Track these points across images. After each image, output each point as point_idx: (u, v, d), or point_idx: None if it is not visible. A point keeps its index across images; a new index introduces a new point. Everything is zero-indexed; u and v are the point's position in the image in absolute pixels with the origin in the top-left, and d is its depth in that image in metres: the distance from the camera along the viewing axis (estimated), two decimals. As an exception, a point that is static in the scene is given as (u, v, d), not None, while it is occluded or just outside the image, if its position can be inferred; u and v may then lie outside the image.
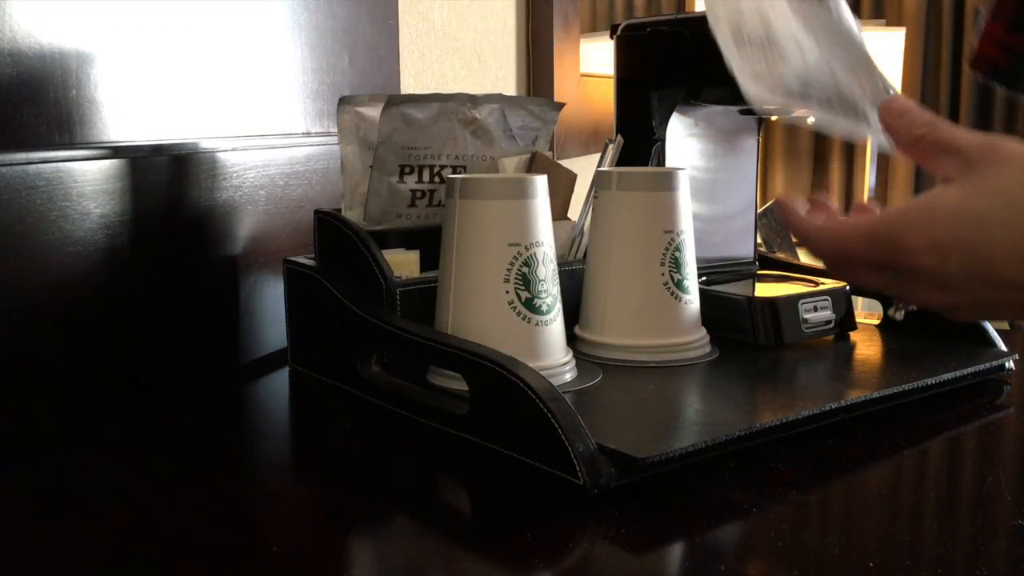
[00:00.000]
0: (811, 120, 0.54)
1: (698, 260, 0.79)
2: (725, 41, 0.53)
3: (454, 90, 1.44)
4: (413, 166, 0.79)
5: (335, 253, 0.77)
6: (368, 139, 0.78)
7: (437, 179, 0.80)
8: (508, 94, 0.84)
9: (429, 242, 0.76)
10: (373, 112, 0.77)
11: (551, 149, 0.88)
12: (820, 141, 3.00)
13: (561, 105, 0.85)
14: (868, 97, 0.53)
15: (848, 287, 0.84)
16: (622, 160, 0.85)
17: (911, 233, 0.42)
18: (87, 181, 0.66)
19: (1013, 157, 0.41)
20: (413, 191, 0.80)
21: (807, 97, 0.53)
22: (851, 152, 2.96)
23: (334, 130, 0.79)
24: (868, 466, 0.62)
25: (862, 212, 0.47)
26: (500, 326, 0.67)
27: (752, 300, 0.81)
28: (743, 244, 0.97)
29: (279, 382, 0.82)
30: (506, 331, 0.67)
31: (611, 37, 0.93)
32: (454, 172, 0.81)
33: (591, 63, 1.86)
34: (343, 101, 0.78)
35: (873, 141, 0.52)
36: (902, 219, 0.42)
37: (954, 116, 2.78)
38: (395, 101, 0.75)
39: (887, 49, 2.39)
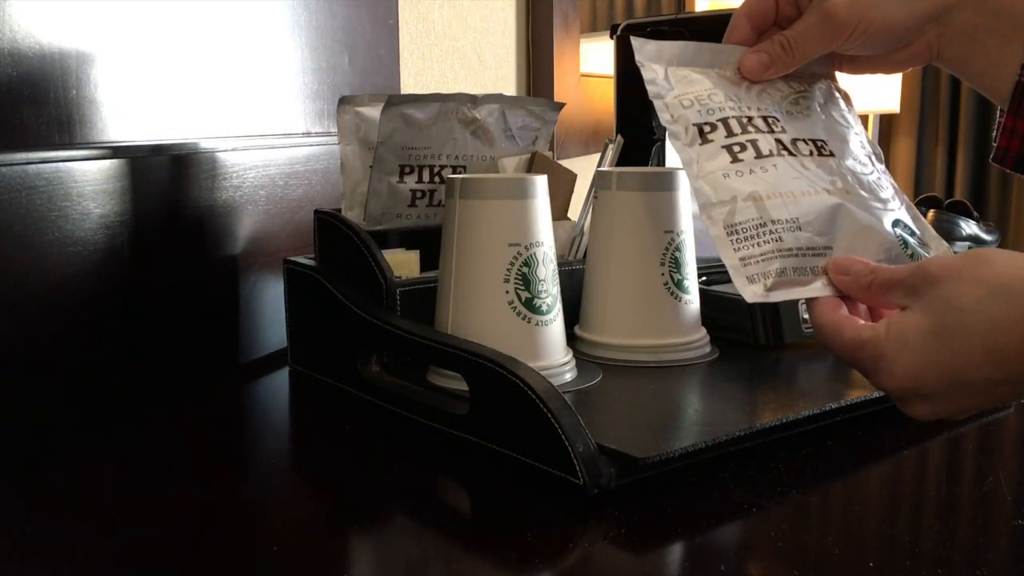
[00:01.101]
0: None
1: (698, 260, 0.79)
2: (720, 240, 0.52)
3: (454, 90, 1.44)
4: (413, 166, 0.79)
5: (335, 253, 0.77)
6: (368, 139, 0.78)
7: (437, 179, 0.80)
8: (508, 94, 0.84)
9: (429, 242, 0.76)
10: (373, 112, 0.77)
11: (551, 149, 0.88)
12: (820, 141, 3.00)
13: (561, 105, 0.85)
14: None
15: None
16: (622, 160, 0.85)
17: (886, 363, 0.45)
18: (87, 181, 0.66)
19: (945, 274, 0.44)
20: (413, 191, 0.80)
21: (802, 271, 0.52)
22: (851, 152, 2.96)
23: (334, 130, 0.79)
24: (868, 466, 0.62)
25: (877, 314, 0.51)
26: (500, 326, 0.67)
27: (752, 300, 0.81)
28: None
29: (279, 382, 0.82)
30: (506, 331, 0.67)
31: (611, 37, 0.93)
32: (454, 172, 0.81)
33: (591, 63, 1.86)
34: (343, 101, 0.78)
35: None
36: (882, 350, 0.45)
37: (954, 121, 2.78)
38: (395, 101, 0.75)
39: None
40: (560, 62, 1.67)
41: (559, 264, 0.71)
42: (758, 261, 0.52)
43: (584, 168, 0.91)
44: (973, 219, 2.33)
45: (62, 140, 0.68)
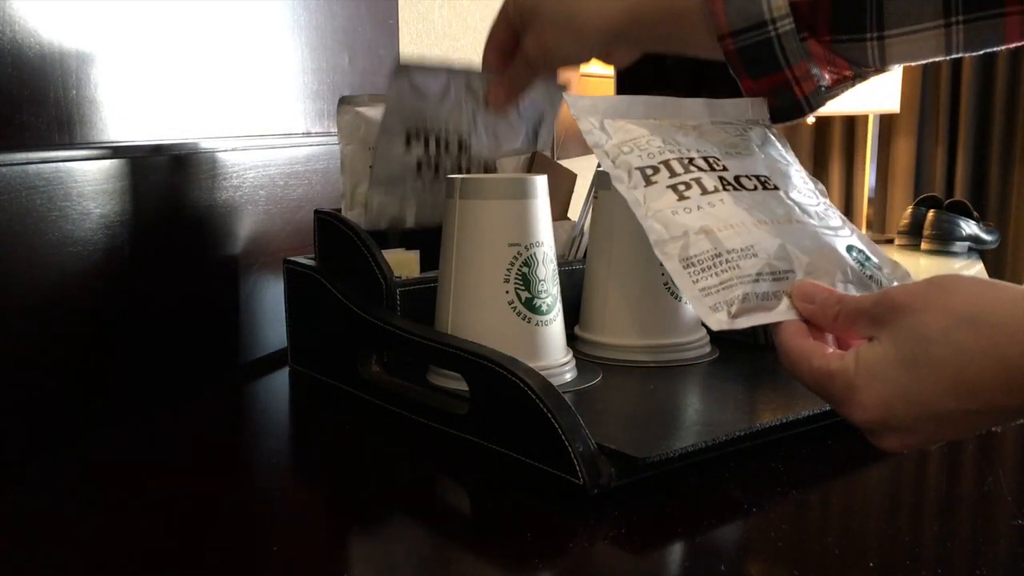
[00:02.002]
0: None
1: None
2: (677, 274, 0.52)
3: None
4: (420, 132, 0.78)
5: (335, 253, 0.77)
6: (368, 139, 0.78)
7: (444, 149, 0.80)
8: None
9: (429, 242, 0.76)
10: (373, 112, 0.77)
11: (551, 149, 0.88)
12: (820, 141, 3.00)
13: (564, 87, 0.84)
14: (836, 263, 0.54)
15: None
16: (622, 160, 0.85)
17: (857, 396, 0.44)
18: (87, 181, 0.66)
19: (910, 302, 0.44)
20: (419, 160, 0.79)
21: (766, 296, 0.51)
22: (851, 152, 2.96)
23: (334, 130, 0.79)
24: (868, 466, 0.62)
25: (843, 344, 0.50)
26: (500, 326, 0.67)
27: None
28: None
29: (279, 382, 0.82)
30: (506, 331, 0.67)
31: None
32: (460, 145, 0.80)
33: (591, 63, 1.86)
34: (343, 101, 0.78)
35: None
36: (851, 382, 0.45)
37: (954, 120, 2.78)
38: (404, 70, 0.75)
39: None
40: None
41: (559, 264, 0.71)
42: (718, 290, 0.51)
43: (584, 168, 0.91)
44: (973, 219, 2.33)
45: (62, 140, 0.68)
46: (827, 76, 0.62)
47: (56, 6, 0.67)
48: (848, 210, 2.84)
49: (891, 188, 2.90)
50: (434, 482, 0.62)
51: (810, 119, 2.77)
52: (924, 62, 0.61)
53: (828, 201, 0.60)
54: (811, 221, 0.56)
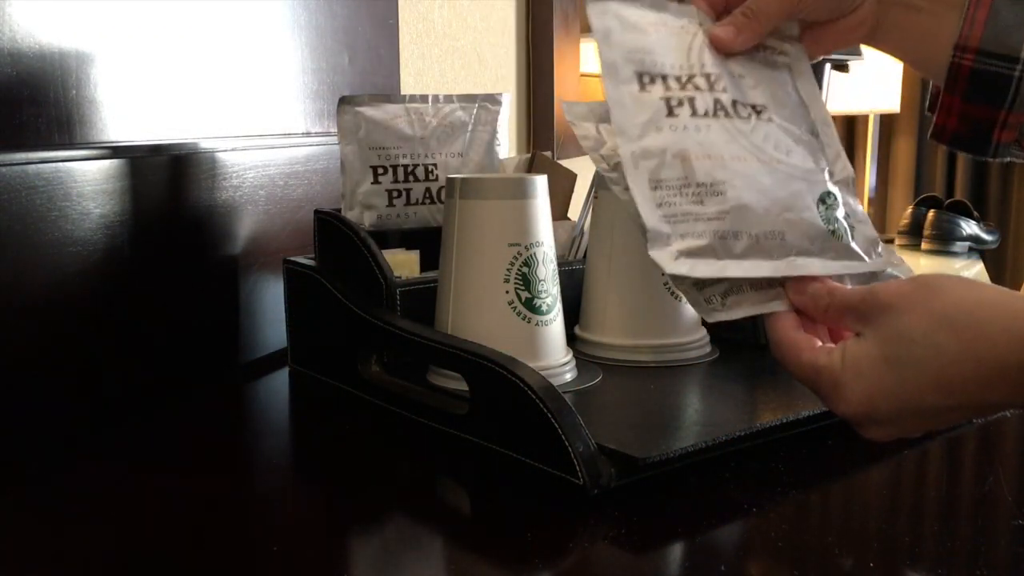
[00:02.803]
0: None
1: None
2: (641, 191, 0.52)
3: (454, 90, 1.44)
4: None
5: (335, 253, 0.77)
6: (369, 139, 0.78)
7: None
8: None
9: (429, 242, 0.76)
10: (373, 112, 0.78)
11: (551, 149, 0.88)
12: (820, 141, 3.00)
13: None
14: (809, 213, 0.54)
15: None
16: (622, 160, 0.85)
17: (843, 391, 0.46)
18: (87, 181, 0.66)
19: (895, 302, 0.46)
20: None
21: (727, 241, 0.51)
22: (851, 152, 2.96)
23: (334, 130, 0.79)
24: (868, 466, 0.62)
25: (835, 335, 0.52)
26: (500, 326, 0.67)
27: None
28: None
29: (279, 382, 0.82)
30: (506, 331, 0.67)
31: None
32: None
33: (591, 63, 1.86)
34: (343, 101, 0.78)
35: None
36: (838, 378, 0.47)
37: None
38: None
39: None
40: (560, 62, 1.66)
41: (559, 264, 0.71)
42: (678, 221, 0.51)
43: (584, 168, 0.91)
44: (973, 219, 2.33)
45: (62, 140, 0.68)
46: None
47: (56, 6, 0.67)
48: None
49: (891, 188, 2.90)
50: (434, 482, 0.62)
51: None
52: None
53: (828, 133, 0.59)
54: (792, 161, 0.56)
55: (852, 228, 0.56)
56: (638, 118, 0.54)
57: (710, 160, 0.53)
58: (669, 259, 0.51)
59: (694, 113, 0.55)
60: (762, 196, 0.53)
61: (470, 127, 0.83)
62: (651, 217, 0.52)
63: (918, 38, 0.58)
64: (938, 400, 0.44)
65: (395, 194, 0.80)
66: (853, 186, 0.58)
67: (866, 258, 0.54)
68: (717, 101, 0.56)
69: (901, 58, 0.61)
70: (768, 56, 0.60)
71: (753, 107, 0.57)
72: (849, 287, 0.50)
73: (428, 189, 0.81)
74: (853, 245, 0.55)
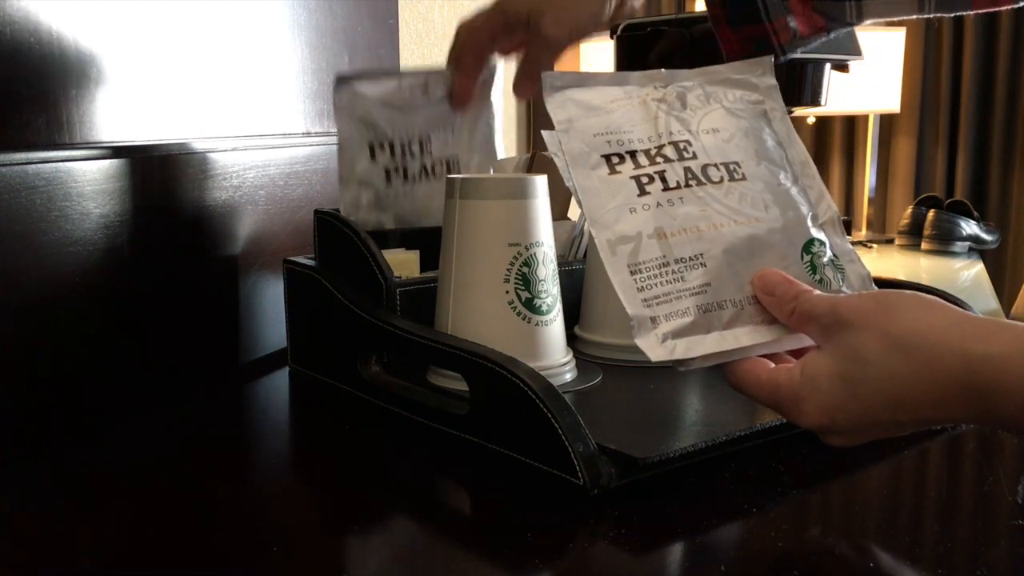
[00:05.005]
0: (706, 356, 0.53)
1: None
2: (621, 278, 0.52)
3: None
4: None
5: (335, 253, 0.77)
6: (367, 117, 0.78)
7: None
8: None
9: (429, 242, 0.76)
10: (368, 88, 0.77)
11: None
12: (820, 141, 3.00)
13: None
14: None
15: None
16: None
17: (802, 405, 0.49)
18: (87, 181, 0.66)
19: (854, 319, 0.48)
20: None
21: (711, 314, 0.52)
22: (851, 152, 2.96)
23: (334, 130, 0.79)
24: (868, 466, 0.62)
25: (781, 360, 0.54)
26: (500, 326, 0.67)
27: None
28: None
29: (279, 382, 0.82)
30: (506, 331, 0.67)
31: (611, 37, 0.93)
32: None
33: (591, 63, 1.86)
34: (340, 80, 0.77)
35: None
36: (798, 392, 0.49)
37: (954, 120, 2.78)
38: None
39: (887, 51, 2.39)
40: (560, 62, 1.66)
41: (559, 264, 0.71)
42: (661, 302, 0.52)
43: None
44: (973, 219, 2.33)
45: (62, 140, 0.68)
46: (802, 28, 0.69)
47: (56, 6, 0.67)
48: (848, 210, 2.84)
49: (891, 188, 2.90)
50: (434, 482, 0.62)
51: (810, 119, 2.77)
52: (896, 19, 0.65)
53: (809, 173, 0.59)
54: (772, 216, 0.55)
55: (842, 270, 0.56)
56: (610, 203, 0.54)
57: (686, 233, 0.53)
58: (656, 344, 0.52)
59: (666, 187, 0.55)
60: (742, 261, 0.53)
61: None
62: (632, 303, 0.52)
63: None
64: (891, 416, 0.47)
65: (393, 171, 0.80)
66: (840, 224, 0.58)
67: None
68: (687, 170, 0.56)
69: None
70: (742, 100, 0.60)
71: (726, 166, 0.57)
72: (816, 293, 0.51)
73: (424, 165, 0.81)
74: (844, 289, 0.55)
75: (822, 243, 0.56)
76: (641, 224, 0.54)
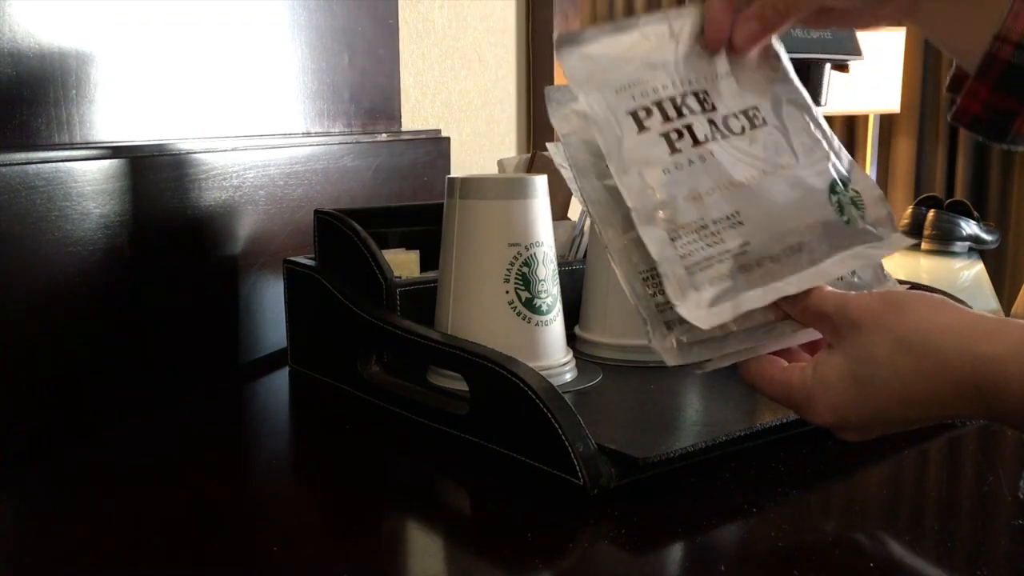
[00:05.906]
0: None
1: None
2: (660, 245, 0.51)
3: (455, 90, 1.44)
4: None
5: (335, 253, 0.77)
6: (613, 79, 0.55)
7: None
8: None
9: (429, 242, 0.76)
10: (603, 48, 0.57)
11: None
12: (820, 141, 2.99)
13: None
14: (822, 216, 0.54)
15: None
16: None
17: (815, 404, 0.50)
18: (87, 181, 0.66)
19: (863, 319, 0.49)
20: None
21: (751, 276, 0.51)
22: (851, 152, 2.96)
23: (334, 130, 0.79)
24: (868, 466, 0.62)
25: (797, 357, 0.55)
26: (500, 326, 0.67)
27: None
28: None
29: (279, 382, 0.82)
30: (506, 331, 0.67)
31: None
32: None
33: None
34: (563, 41, 0.57)
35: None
36: (810, 391, 0.50)
37: (954, 116, 2.78)
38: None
39: (887, 51, 2.40)
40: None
41: (559, 264, 0.71)
42: (704, 267, 0.51)
43: (584, 168, 0.91)
44: (973, 219, 2.33)
45: (62, 140, 0.68)
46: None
47: (56, 6, 0.67)
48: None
49: (891, 188, 2.90)
50: (434, 482, 0.62)
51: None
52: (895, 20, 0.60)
53: (818, 114, 0.58)
54: (797, 163, 0.55)
55: (863, 208, 0.56)
56: (646, 176, 0.53)
57: (720, 192, 0.53)
58: (703, 311, 0.50)
59: (695, 142, 0.54)
60: (776, 213, 0.53)
61: None
62: (676, 272, 0.51)
63: (954, 27, 0.60)
64: (900, 413, 0.48)
65: (674, 136, 0.55)
66: (855, 165, 0.58)
67: (881, 237, 0.55)
68: (711, 122, 0.55)
69: (930, 37, 0.63)
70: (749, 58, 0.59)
71: (744, 113, 0.56)
72: (827, 289, 0.52)
73: (712, 120, 0.56)
74: (869, 228, 0.55)
75: (846, 182, 0.56)
76: (675, 187, 0.52)
